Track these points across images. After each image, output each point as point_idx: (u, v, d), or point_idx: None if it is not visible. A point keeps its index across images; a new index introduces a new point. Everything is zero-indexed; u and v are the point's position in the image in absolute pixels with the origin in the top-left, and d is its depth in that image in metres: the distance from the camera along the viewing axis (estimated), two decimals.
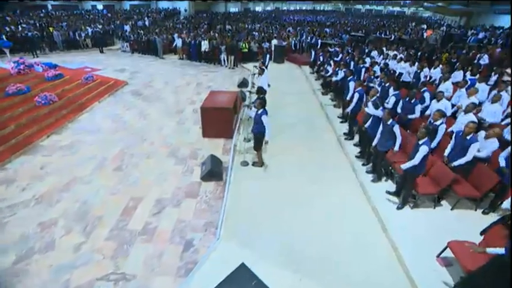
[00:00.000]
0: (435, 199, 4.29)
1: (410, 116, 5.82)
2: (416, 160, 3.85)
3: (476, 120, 4.85)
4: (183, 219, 4.22)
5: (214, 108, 6.21)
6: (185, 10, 35.64)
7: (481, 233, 3.25)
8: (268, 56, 10.71)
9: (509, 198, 3.29)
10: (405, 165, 3.96)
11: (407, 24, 24.29)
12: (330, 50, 12.49)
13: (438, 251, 3.38)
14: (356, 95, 6.00)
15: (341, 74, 7.80)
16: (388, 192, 4.57)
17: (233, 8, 42.18)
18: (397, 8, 49.65)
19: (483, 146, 4.31)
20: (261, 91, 5.83)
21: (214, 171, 5.00)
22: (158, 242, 3.80)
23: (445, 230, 3.73)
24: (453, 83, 7.10)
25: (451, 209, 4.26)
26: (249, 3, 43.94)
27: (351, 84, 6.63)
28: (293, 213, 4.30)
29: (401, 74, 8.75)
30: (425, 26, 23.15)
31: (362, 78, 8.34)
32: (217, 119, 6.25)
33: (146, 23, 22.91)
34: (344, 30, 19.99)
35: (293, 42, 15.08)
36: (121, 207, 4.43)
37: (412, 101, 5.76)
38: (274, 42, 13.98)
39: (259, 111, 4.95)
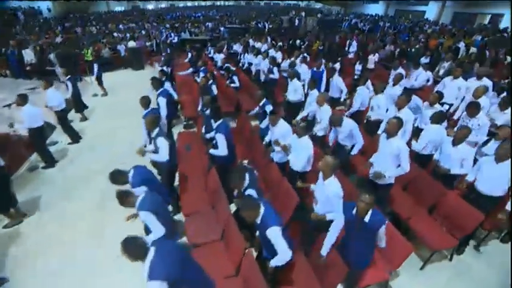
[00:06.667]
0: None
1: None
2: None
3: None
4: None
5: None
6: (49, 10, 28.86)
7: None
8: (96, 65, 7.93)
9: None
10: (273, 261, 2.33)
11: (289, 12, 24.82)
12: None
13: None
14: None
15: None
16: None
17: (118, 7, 36.50)
18: (293, 1, 52.16)
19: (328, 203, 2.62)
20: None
21: None
22: None
23: None
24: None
25: None
26: (137, 1, 38.78)
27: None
28: None
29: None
30: (303, 14, 23.88)
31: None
32: None
33: None
34: (229, 23, 18.53)
35: (155, 42, 12.54)
36: None
37: None
38: (131, 44, 11.23)
39: None
